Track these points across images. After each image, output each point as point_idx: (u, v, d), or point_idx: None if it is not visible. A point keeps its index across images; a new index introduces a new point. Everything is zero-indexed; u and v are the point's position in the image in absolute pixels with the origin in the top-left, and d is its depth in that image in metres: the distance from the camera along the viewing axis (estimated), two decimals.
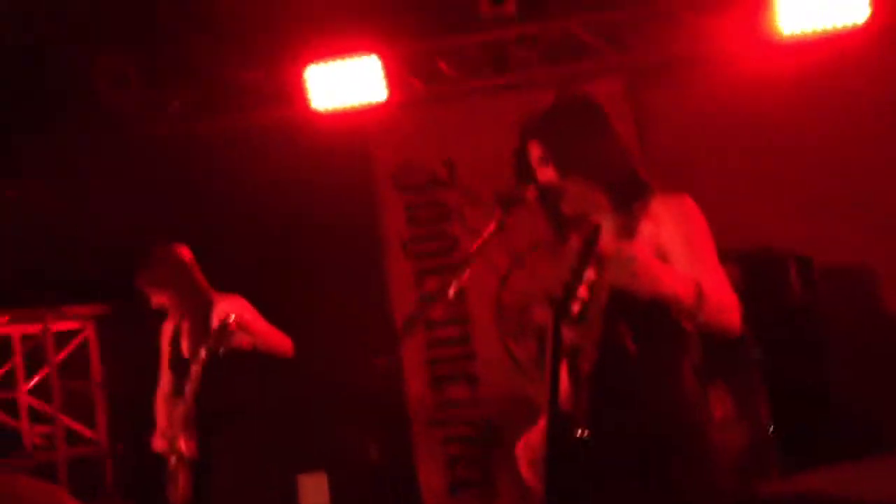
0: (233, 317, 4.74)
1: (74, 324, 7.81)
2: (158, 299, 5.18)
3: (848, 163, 6.56)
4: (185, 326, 5.19)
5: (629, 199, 2.79)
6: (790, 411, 5.87)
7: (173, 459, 5.02)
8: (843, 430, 5.80)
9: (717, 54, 6.66)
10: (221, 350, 4.75)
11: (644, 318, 2.61)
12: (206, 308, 5.05)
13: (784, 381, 5.91)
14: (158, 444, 5.17)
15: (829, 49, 6.51)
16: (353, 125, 7.32)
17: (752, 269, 5.86)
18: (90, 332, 7.84)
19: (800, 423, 5.86)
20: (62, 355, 7.68)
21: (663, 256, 2.65)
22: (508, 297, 7.12)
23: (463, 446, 7.22)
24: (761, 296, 5.82)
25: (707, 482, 2.68)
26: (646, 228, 2.73)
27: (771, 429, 5.81)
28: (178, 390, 5.06)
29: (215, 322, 4.82)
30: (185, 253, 5.20)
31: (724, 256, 2.70)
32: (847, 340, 6.30)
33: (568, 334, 2.47)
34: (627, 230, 2.73)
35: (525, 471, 2.85)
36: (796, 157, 6.57)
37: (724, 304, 2.56)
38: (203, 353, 4.78)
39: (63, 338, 7.73)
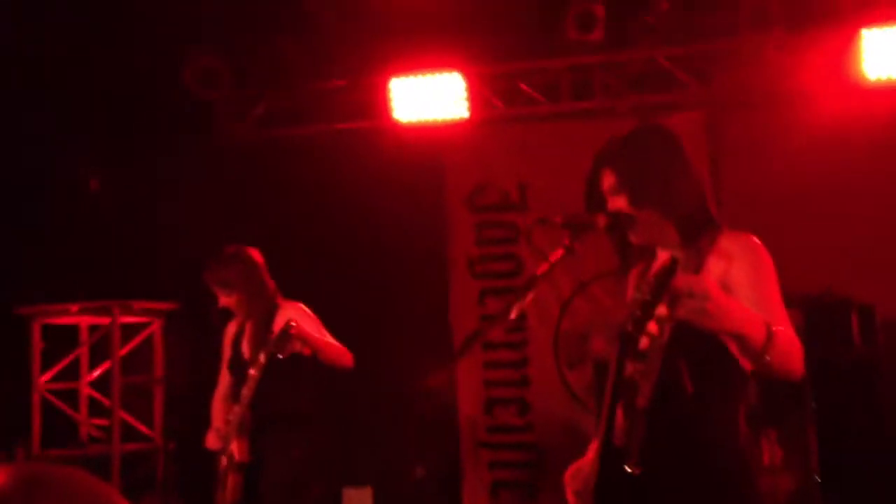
0: (293, 323, 4.74)
1: (142, 318, 7.89)
2: (226, 300, 5.14)
3: None
4: (249, 329, 5.18)
5: (698, 233, 2.76)
6: (843, 462, 5.74)
7: (224, 461, 5.03)
8: None
9: (798, 95, 6.58)
10: (281, 356, 4.76)
11: (703, 356, 2.58)
12: (270, 312, 5.03)
13: (839, 433, 5.78)
14: (212, 442, 5.16)
15: None
16: (430, 140, 7.36)
17: (813, 314, 5.75)
18: (156, 329, 7.92)
19: (852, 476, 5.72)
20: (126, 349, 7.75)
21: (729, 293, 2.61)
22: (568, 324, 7.07)
23: (509, 471, 7.17)
24: (821, 342, 5.69)
25: None
26: (713, 264, 2.70)
27: (818, 478, 5.68)
28: (235, 393, 5.08)
29: (277, 327, 4.84)
30: (256, 255, 5.18)
31: (788, 299, 2.66)
32: None
33: (629, 368, 2.44)
34: (695, 265, 2.70)
35: (571, 500, 2.83)
36: (870, 204, 6.44)
37: (789, 347, 2.52)
38: (262, 357, 4.78)
39: (128, 332, 7.83)
